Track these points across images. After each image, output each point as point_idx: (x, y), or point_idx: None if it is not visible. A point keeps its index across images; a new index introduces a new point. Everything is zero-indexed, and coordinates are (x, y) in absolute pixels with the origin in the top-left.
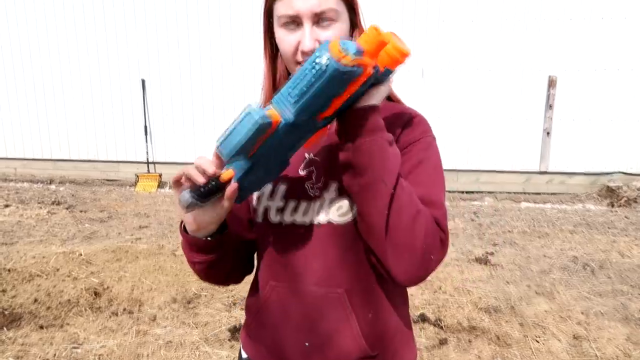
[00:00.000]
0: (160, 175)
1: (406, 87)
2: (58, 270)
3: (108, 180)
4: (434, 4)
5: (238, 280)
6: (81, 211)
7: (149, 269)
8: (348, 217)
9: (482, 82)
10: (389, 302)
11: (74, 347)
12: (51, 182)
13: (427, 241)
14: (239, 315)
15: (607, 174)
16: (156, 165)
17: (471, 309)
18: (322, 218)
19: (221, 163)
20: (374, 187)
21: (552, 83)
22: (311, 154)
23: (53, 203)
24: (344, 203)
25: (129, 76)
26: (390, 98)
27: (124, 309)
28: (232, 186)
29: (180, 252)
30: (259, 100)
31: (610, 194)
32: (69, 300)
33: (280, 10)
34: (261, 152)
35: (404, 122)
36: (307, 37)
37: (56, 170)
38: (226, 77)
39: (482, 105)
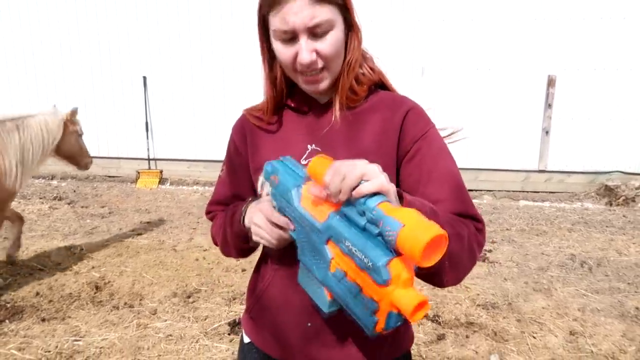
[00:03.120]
0: (161, 172)
1: (406, 85)
2: (59, 264)
3: (109, 176)
4: (435, 3)
5: (245, 257)
6: (82, 207)
7: (149, 264)
8: None
9: (481, 81)
10: None
11: (75, 340)
12: (53, 177)
13: (476, 254)
14: (239, 310)
15: (606, 173)
16: (157, 161)
17: (469, 305)
18: None
19: None
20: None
21: (551, 82)
22: (313, 145)
23: (55, 198)
24: None
25: (131, 73)
26: (387, 88)
27: (125, 303)
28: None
29: (180, 247)
30: (260, 100)
31: (609, 193)
32: (71, 293)
33: (275, 24)
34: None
35: (403, 113)
36: (304, 51)
37: (58, 166)
38: (227, 73)
39: (482, 104)
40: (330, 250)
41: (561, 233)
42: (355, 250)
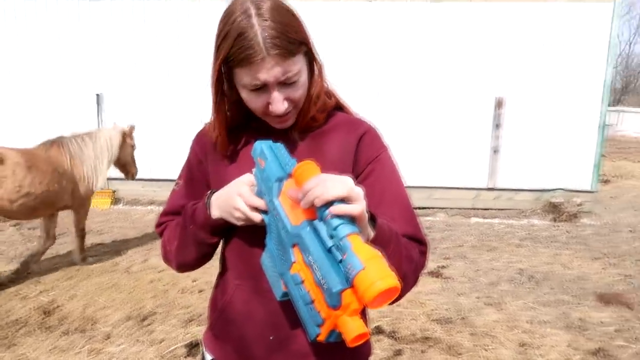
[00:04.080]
0: (114, 192)
1: (362, 106)
2: (5, 289)
3: None
4: (389, 30)
5: (200, 265)
6: (29, 229)
7: (102, 287)
8: None
9: (434, 102)
10: None
11: None
12: None
13: (418, 275)
14: (196, 331)
15: (550, 190)
16: (110, 181)
17: (424, 321)
18: None
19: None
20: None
21: (499, 103)
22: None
23: None
24: None
25: (84, 90)
26: (342, 109)
27: (76, 328)
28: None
29: (134, 269)
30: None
31: (553, 210)
32: (18, 319)
33: (244, 78)
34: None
35: (359, 135)
36: (278, 103)
37: None
38: (181, 93)
39: (434, 125)
40: (294, 254)
41: (510, 249)
42: (316, 268)
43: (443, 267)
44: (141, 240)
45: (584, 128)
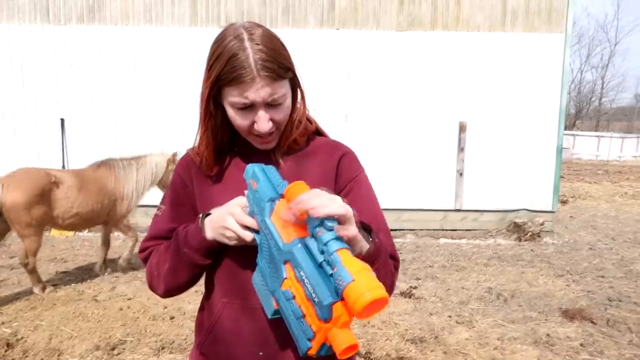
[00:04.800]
0: None
1: (331, 130)
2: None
3: None
4: (357, 57)
5: (189, 288)
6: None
7: (68, 316)
8: None
9: (401, 126)
10: None
11: None
12: None
13: (393, 289)
14: (168, 359)
15: (514, 211)
16: None
17: (398, 341)
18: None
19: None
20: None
21: (462, 128)
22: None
23: None
24: None
25: (47, 114)
26: (320, 133)
27: None
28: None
29: (102, 297)
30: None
31: (517, 229)
32: None
33: (233, 96)
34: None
35: (338, 156)
36: (263, 122)
37: None
38: (149, 118)
39: (402, 148)
40: (285, 270)
41: (478, 268)
42: (307, 282)
43: (414, 287)
44: (108, 267)
45: (542, 151)
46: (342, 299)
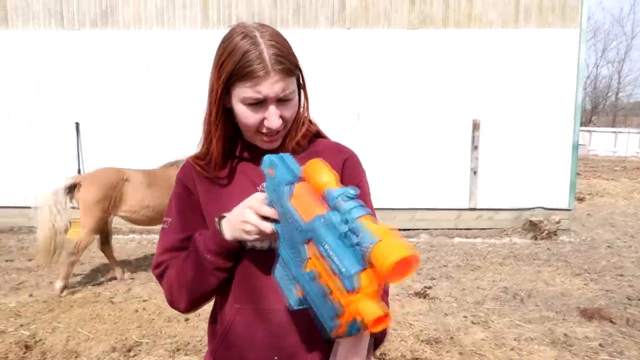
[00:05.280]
0: None
1: (343, 129)
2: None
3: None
4: (370, 55)
5: (213, 295)
6: (7, 260)
7: (85, 318)
8: None
9: (413, 125)
10: None
11: None
12: None
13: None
14: None
15: (529, 209)
16: None
17: (413, 342)
18: (271, 244)
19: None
20: None
21: (476, 126)
22: (259, 186)
23: None
24: None
25: (62, 119)
26: (320, 135)
27: None
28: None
29: (118, 299)
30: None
31: (533, 228)
32: None
33: (245, 92)
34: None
35: (343, 159)
36: (274, 118)
37: None
38: (161, 121)
39: (415, 147)
40: (308, 250)
41: (494, 267)
42: (332, 255)
43: (429, 287)
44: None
45: (558, 148)
46: (369, 267)
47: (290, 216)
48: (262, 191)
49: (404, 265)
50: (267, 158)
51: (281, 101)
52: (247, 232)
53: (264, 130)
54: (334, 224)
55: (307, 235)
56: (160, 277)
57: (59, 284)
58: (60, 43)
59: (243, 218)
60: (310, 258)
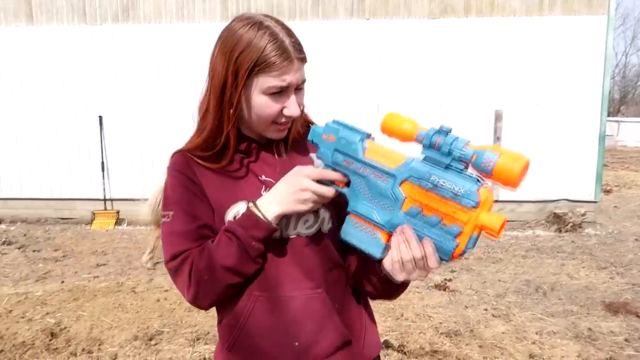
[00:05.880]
0: (117, 212)
1: (362, 121)
2: (11, 312)
3: (62, 218)
4: (391, 48)
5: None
6: (34, 251)
7: (108, 307)
8: (314, 229)
9: (434, 116)
10: (352, 297)
11: None
12: (1, 221)
13: None
14: (203, 350)
15: (554, 201)
16: (113, 202)
17: (432, 334)
18: (291, 232)
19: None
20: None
21: (498, 117)
22: (263, 176)
23: (3, 243)
24: (310, 217)
25: (86, 112)
26: (311, 123)
27: (83, 349)
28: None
29: (140, 288)
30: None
31: (557, 220)
32: (24, 342)
33: (268, 82)
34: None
35: None
36: (295, 105)
37: (6, 209)
38: (183, 113)
39: None
40: (403, 191)
41: (516, 260)
42: (444, 182)
43: (449, 280)
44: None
45: (584, 138)
46: (492, 175)
47: (370, 168)
48: (313, 162)
49: (525, 170)
50: (316, 128)
51: (298, 89)
52: (304, 201)
53: (282, 120)
54: (434, 159)
55: (402, 177)
56: (177, 271)
57: (145, 256)
58: (83, 38)
59: (300, 187)
60: (406, 197)
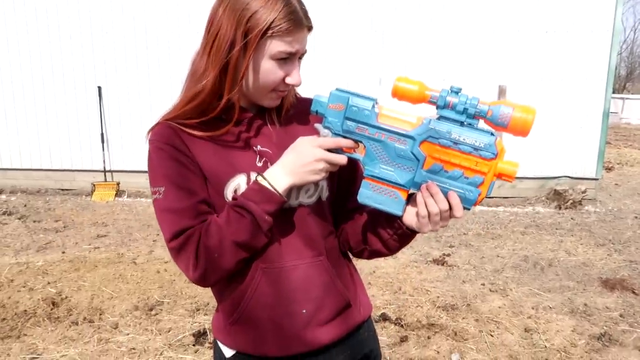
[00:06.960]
0: (117, 184)
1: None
2: (12, 281)
3: (62, 189)
4: (393, 19)
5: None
6: (35, 221)
7: (108, 278)
8: (314, 198)
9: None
10: (345, 261)
11: (33, 357)
12: (1, 192)
13: None
14: (203, 321)
15: (555, 178)
16: (113, 173)
17: (430, 308)
18: (293, 202)
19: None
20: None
21: (502, 92)
22: (258, 146)
23: (4, 213)
24: (310, 186)
25: (85, 83)
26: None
27: (84, 318)
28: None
29: (140, 260)
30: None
31: (558, 197)
32: (25, 311)
33: (278, 47)
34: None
35: None
36: (299, 73)
37: (6, 180)
38: (180, 83)
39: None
40: (423, 151)
41: (515, 236)
42: (464, 138)
43: (447, 255)
44: (146, 232)
45: (587, 115)
46: (507, 128)
47: (386, 132)
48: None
49: (534, 121)
50: (320, 98)
51: (299, 58)
52: (319, 172)
53: (282, 88)
54: (450, 118)
55: (421, 138)
56: (180, 250)
57: None
58: (82, 5)
59: (314, 157)
60: (427, 156)
